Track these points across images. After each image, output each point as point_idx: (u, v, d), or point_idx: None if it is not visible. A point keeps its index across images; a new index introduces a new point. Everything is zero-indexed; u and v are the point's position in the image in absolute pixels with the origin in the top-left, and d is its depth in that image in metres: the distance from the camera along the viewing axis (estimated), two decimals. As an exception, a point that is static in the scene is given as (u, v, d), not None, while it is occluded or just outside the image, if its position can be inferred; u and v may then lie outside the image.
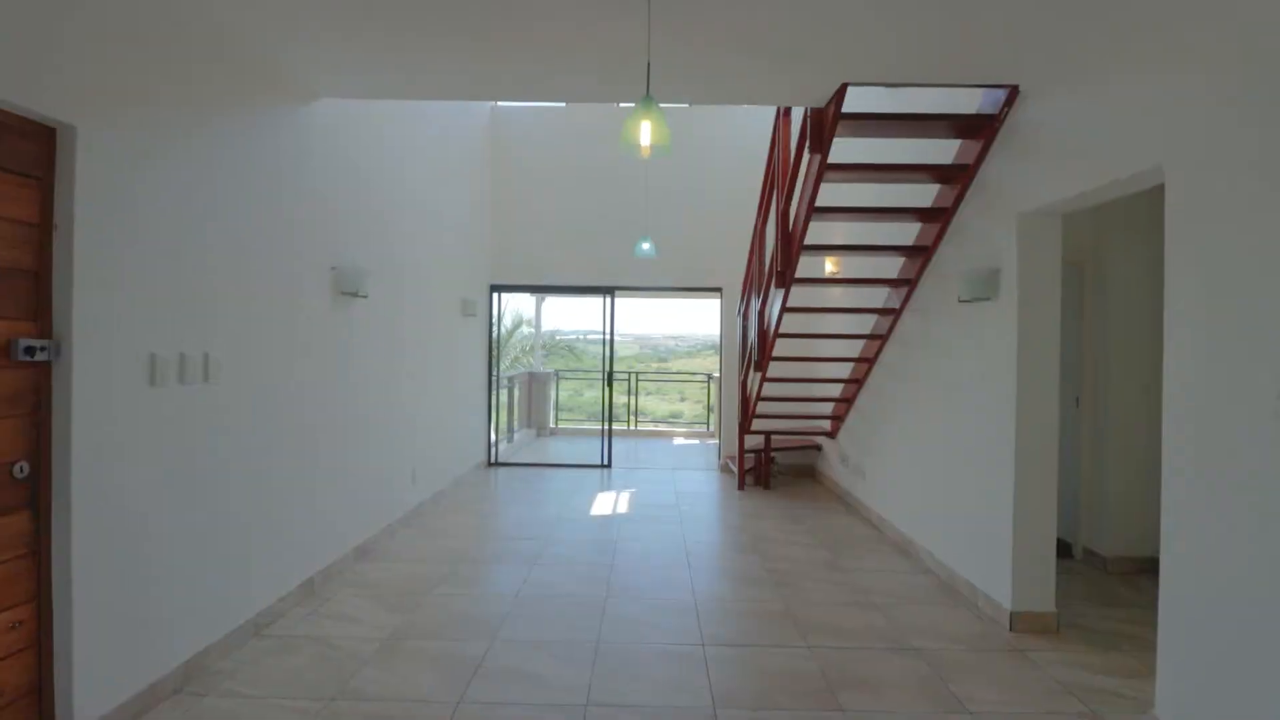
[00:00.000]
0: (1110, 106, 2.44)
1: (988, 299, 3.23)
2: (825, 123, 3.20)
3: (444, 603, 3.21)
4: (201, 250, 2.51)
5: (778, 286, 4.16)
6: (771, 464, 5.97)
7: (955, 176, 3.45)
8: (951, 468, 3.63)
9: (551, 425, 9.84)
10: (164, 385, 2.31)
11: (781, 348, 4.92)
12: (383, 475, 4.20)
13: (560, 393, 11.61)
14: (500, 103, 6.82)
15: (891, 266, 4.28)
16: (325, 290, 3.43)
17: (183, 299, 2.41)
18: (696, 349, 22.10)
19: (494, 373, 6.85)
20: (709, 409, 10.49)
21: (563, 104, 6.82)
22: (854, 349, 5.07)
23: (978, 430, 3.35)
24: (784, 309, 4.33)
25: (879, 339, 4.58)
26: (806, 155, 3.49)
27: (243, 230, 2.76)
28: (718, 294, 6.84)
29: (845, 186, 4.02)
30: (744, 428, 5.78)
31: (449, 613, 3.09)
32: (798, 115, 3.93)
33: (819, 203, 3.53)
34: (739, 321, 5.88)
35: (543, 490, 5.69)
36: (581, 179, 6.74)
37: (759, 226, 4.88)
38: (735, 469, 6.08)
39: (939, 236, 3.70)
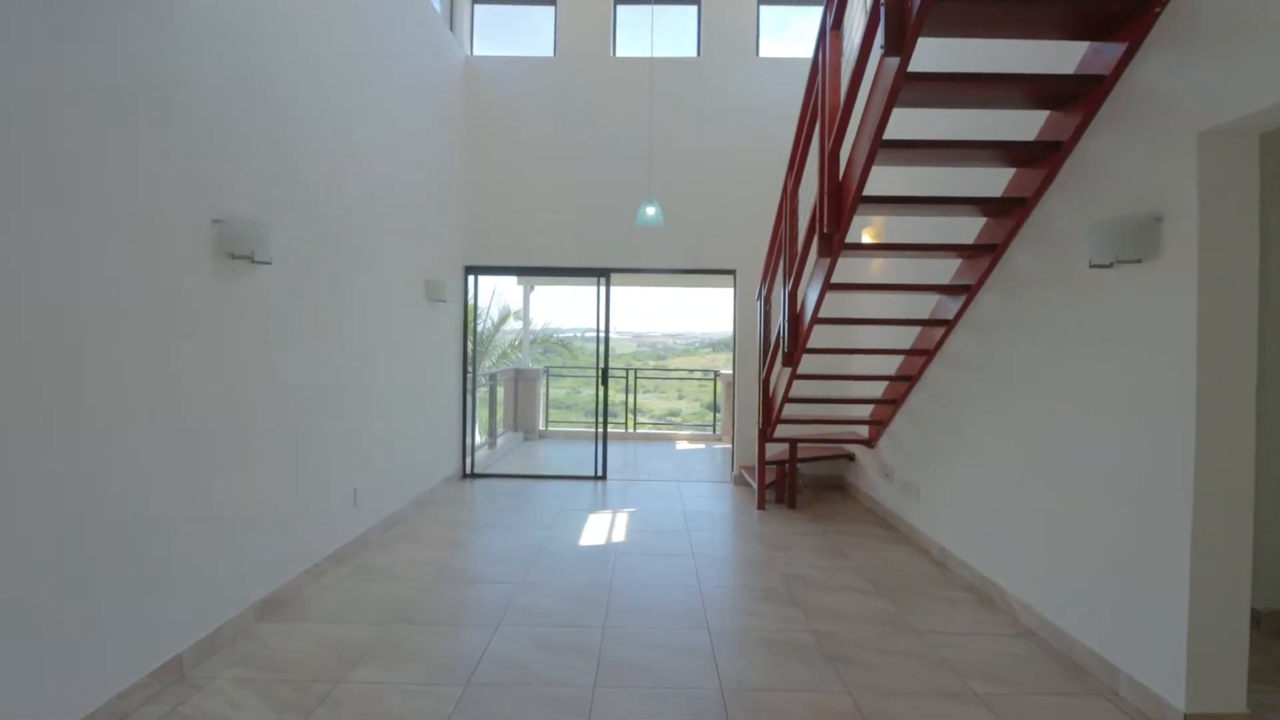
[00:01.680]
0: None
1: (1138, 260, 2.27)
2: (908, 10, 2.23)
3: (359, 694, 2.23)
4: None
5: (821, 255, 3.19)
6: (796, 476, 5.01)
7: (1080, 94, 2.49)
8: (1068, 496, 2.67)
9: (541, 427, 8.86)
10: None
11: (817, 337, 3.96)
12: (309, 499, 3.23)
13: (557, 390, 10.66)
14: (477, 51, 5.83)
15: (966, 229, 3.33)
16: (204, 251, 2.45)
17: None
18: (695, 346, 21.65)
19: (470, 369, 5.87)
20: (715, 408, 9.53)
21: (549, 53, 5.84)
22: (905, 338, 4.11)
23: (1117, 446, 2.39)
24: (827, 286, 3.37)
25: (943, 324, 3.62)
26: (875, 64, 2.52)
27: (51, 150, 1.79)
28: (730, 278, 5.86)
29: (904, 123, 3.01)
30: (765, 435, 4.82)
31: (362, 714, 2.12)
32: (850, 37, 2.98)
33: (888, 134, 2.57)
34: (759, 307, 4.91)
35: (524, 510, 4.72)
36: (573, 143, 5.76)
37: (789, 186, 3.91)
38: (752, 482, 5.12)
39: (1046, 181, 2.74)
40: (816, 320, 3.62)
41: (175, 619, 2.35)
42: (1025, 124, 2.81)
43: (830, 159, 2.94)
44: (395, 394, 4.29)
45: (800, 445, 5.05)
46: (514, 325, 10.23)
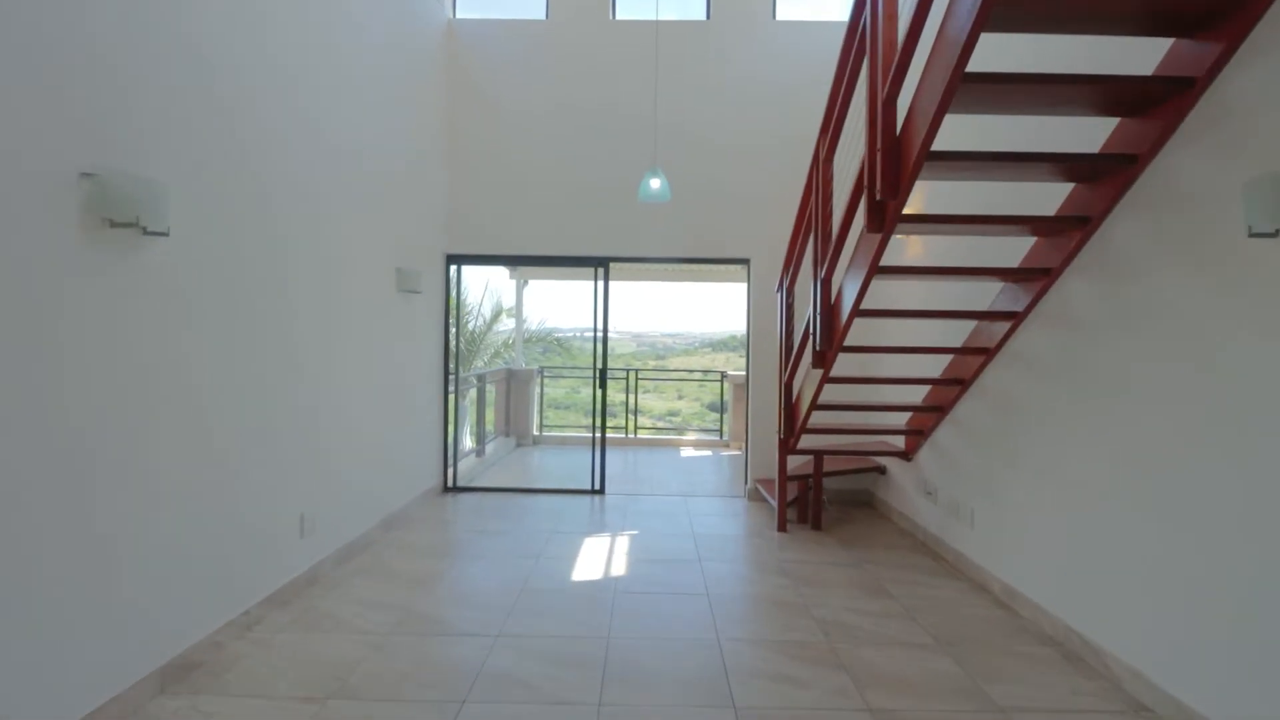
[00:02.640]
0: None
1: (1328, 226, 1.67)
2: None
3: (265, 822, 1.63)
4: None
5: (871, 230, 2.58)
6: (822, 492, 4.40)
7: (1226, 11, 1.89)
8: (1194, 533, 2.06)
9: (535, 432, 8.24)
10: None
11: (853, 334, 3.36)
12: (239, 528, 2.62)
13: (555, 390, 10.08)
14: (460, 13, 5.22)
15: (1045, 200, 2.72)
16: (67, 214, 1.84)
17: None
18: (694, 346, 21.46)
19: (455, 369, 5.26)
20: (717, 408, 8.93)
21: (541, 15, 5.23)
22: (957, 334, 3.50)
23: (1287, 477, 1.79)
24: (874, 269, 2.75)
25: (1010, 318, 3.02)
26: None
27: None
28: (743, 268, 5.25)
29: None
30: (787, 445, 4.21)
31: None
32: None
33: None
34: (780, 300, 4.30)
35: (510, 532, 4.11)
36: (568, 118, 5.14)
37: (821, 154, 3.30)
38: (770, 499, 4.52)
39: (1167, 130, 2.13)
40: (858, 313, 3.01)
41: (35, 700, 1.75)
42: (1143, 54, 2.21)
43: (886, 107, 2.33)
44: (358, 398, 3.68)
45: (825, 457, 4.44)
46: (508, 323, 9.62)
